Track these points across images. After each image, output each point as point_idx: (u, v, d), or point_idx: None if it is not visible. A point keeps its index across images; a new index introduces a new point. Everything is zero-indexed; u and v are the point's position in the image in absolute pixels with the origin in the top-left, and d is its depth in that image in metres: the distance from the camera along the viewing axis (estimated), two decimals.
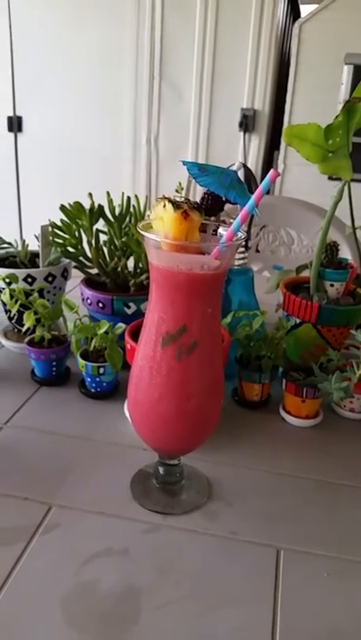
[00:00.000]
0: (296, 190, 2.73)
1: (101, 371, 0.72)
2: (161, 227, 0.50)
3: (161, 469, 0.59)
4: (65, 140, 2.96)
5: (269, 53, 2.72)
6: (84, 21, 2.77)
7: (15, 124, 3.01)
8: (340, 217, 1.00)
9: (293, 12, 3.32)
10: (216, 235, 0.52)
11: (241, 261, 0.80)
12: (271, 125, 2.89)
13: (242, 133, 2.82)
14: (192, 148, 2.89)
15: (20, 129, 3.04)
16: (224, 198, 0.47)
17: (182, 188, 0.93)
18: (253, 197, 0.44)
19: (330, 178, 2.74)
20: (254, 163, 2.89)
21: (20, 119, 3.02)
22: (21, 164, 3.11)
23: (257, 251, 1.69)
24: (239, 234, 0.46)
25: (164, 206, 0.49)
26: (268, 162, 2.97)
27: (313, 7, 2.68)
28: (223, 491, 0.60)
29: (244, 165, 0.55)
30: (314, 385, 0.70)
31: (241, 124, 2.81)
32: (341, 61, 2.66)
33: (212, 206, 0.49)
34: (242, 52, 2.72)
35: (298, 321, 0.79)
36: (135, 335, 0.65)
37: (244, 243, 0.77)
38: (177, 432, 0.52)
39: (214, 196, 0.48)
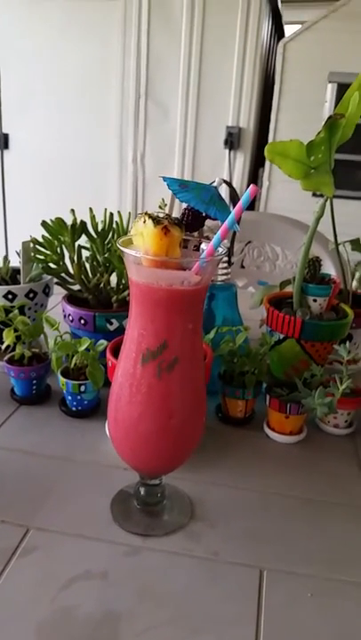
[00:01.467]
0: (281, 207, 2.75)
1: (82, 389, 0.71)
2: (141, 242, 0.49)
3: (142, 490, 0.58)
4: (51, 158, 2.97)
5: (254, 72, 2.76)
6: (70, 40, 2.79)
7: (1, 141, 3.01)
8: (324, 233, 1.01)
9: (278, 32, 3.37)
10: (198, 250, 0.51)
11: (224, 277, 0.80)
12: (256, 143, 2.92)
13: (227, 151, 2.85)
14: (178, 166, 2.91)
15: (6, 146, 3.05)
16: (204, 214, 0.47)
17: (165, 205, 0.93)
18: (233, 213, 0.44)
19: (314, 194, 2.78)
20: (239, 180, 2.91)
21: (6, 136, 3.03)
22: (7, 181, 3.11)
23: (242, 266, 1.69)
24: (220, 249, 0.46)
25: (145, 222, 0.49)
26: (254, 179, 3.00)
27: (297, 27, 2.72)
28: (206, 510, 0.59)
29: (226, 182, 0.55)
30: (298, 401, 0.69)
31: (226, 142, 2.83)
32: (325, 80, 2.70)
33: (192, 222, 0.48)
34: (227, 70, 2.76)
35: (281, 336, 0.78)
36: (117, 352, 0.64)
37: (226, 258, 0.77)
38: (158, 451, 0.51)
39: (194, 211, 0.47)
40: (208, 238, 0.65)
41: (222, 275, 0.80)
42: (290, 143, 0.75)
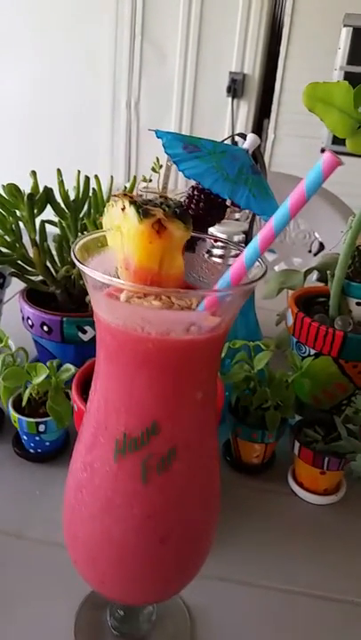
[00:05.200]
0: (287, 162, 2.52)
1: (41, 428, 0.51)
2: (119, 244, 0.29)
3: (120, 611, 0.39)
4: (37, 103, 2.67)
5: (261, 12, 2.48)
6: None
7: None
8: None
9: None
10: (209, 257, 0.31)
11: None
12: (262, 91, 2.66)
13: (230, 99, 2.59)
14: (176, 113, 2.65)
15: None
16: (228, 200, 0.26)
17: (160, 166, 0.71)
18: (288, 204, 0.23)
19: (323, 150, 2.53)
20: (243, 131, 2.66)
21: None
22: None
23: None
24: (255, 266, 0.26)
25: (123, 209, 0.28)
26: (258, 130, 2.74)
27: None
28: (212, 629, 0.41)
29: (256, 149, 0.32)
30: (339, 453, 0.50)
31: (229, 89, 2.58)
32: (340, 23, 2.41)
33: (205, 211, 0.28)
34: (232, 10, 2.48)
35: (313, 351, 0.58)
36: (88, 387, 0.44)
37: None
38: (142, 584, 0.32)
39: (209, 194, 0.27)
40: (222, 240, 0.44)
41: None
42: (336, 86, 0.54)
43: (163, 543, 0.29)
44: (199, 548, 0.32)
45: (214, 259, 0.31)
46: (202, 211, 0.28)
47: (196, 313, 0.25)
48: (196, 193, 0.27)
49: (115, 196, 0.29)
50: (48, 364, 0.49)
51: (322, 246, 1.46)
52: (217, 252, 0.30)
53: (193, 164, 0.26)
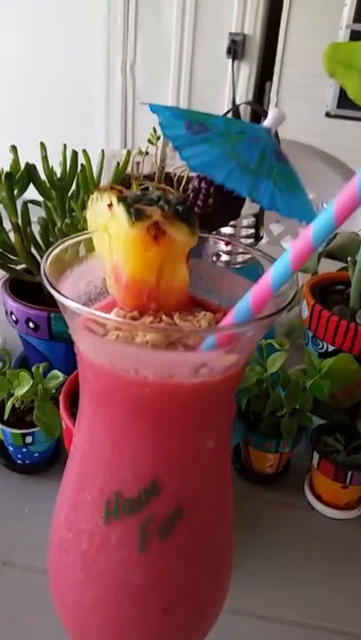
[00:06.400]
0: (290, 128, 2.40)
1: (28, 440, 0.45)
2: (106, 249, 0.23)
3: None
4: (25, 69, 2.54)
5: None
6: None
7: None
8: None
9: None
10: (216, 262, 0.25)
11: (247, 256, 0.52)
12: (263, 53, 2.54)
13: (230, 61, 2.48)
14: (173, 77, 2.54)
15: None
16: (249, 197, 0.20)
17: (158, 138, 0.64)
18: (334, 208, 0.17)
19: (328, 115, 2.43)
20: (244, 95, 2.56)
21: None
22: None
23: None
24: (285, 287, 0.19)
25: (110, 206, 0.22)
26: (260, 94, 2.63)
27: None
28: None
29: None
30: None
31: (229, 51, 2.46)
32: None
33: (216, 208, 0.21)
34: None
35: (331, 348, 0.52)
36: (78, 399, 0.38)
37: (252, 231, 0.49)
38: None
39: (220, 188, 0.20)
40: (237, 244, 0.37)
41: (241, 252, 0.52)
42: (359, 46, 0.47)
43: (166, 613, 0.24)
44: (211, 609, 0.27)
45: (222, 264, 0.24)
46: (211, 208, 0.21)
47: (206, 353, 0.19)
48: (203, 185, 0.21)
49: (99, 189, 0.23)
50: (33, 369, 0.44)
51: None
52: (225, 255, 0.23)
53: (200, 150, 0.20)
